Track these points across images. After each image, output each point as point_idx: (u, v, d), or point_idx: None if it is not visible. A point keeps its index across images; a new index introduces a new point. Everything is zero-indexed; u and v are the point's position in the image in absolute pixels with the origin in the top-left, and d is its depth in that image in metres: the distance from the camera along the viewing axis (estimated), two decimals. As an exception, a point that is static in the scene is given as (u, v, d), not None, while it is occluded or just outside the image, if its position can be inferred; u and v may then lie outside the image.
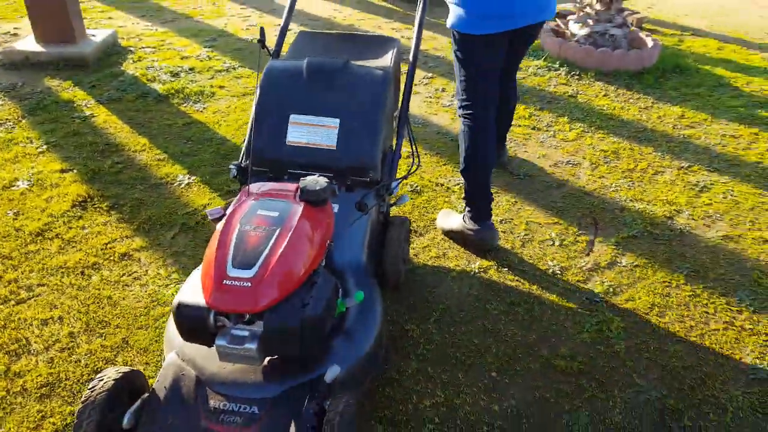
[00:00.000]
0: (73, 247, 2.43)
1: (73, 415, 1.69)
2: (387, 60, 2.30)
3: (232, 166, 2.10)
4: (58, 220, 2.58)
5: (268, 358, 1.58)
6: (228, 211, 1.68)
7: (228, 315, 1.51)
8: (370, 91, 2.09)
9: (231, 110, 3.67)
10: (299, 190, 1.69)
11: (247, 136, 2.17)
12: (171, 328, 1.71)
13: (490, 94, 2.38)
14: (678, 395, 1.86)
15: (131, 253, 2.40)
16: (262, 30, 2.38)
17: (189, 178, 2.92)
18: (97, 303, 2.15)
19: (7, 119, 3.46)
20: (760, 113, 3.87)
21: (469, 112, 2.36)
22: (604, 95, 4.08)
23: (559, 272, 2.38)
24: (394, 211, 2.56)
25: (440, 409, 1.79)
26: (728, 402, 1.85)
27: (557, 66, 4.47)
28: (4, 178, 2.87)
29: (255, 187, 1.77)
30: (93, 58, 4.30)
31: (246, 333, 1.49)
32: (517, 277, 2.34)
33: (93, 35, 4.55)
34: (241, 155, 2.17)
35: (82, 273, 2.29)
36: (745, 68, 4.71)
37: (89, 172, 2.93)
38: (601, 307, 2.21)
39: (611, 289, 2.30)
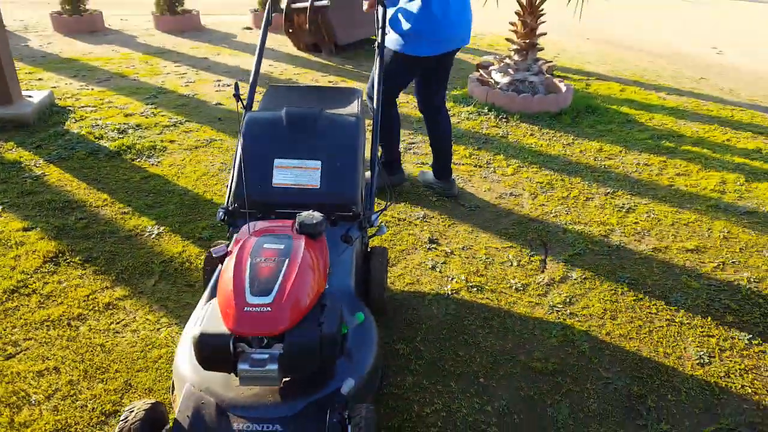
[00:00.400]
0: (53, 301, 2.43)
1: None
2: (354, 107, 2.54)
3: (219, 211, 2.23)
4: (31, 277, 2.57)
5: (283, 380, 1.70)
6: (231, 249, 1.82)
7: (247, 341, 1.63)
8: (347, 134, 2.31)
9: (186, 163, 3.77)
10: (298, 225, 1.86)
11: (231, 181, 2.30)
12: (180, 363, 1.80)
13: (397, 96, 3.27)
14: (639, 383, 2.13)
15: (114, 302, 2.44)
16: (236, 85, 2.55)
17: (158, 229, 2.98)
18: (91, 351, 2.17)
19: (-48, 182, 3.39)
20: (665, 144, 4.42)
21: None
22: (531, 135, 4.51)
23: (521, 288, 2.64)
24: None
25: (440, 414, 1.96)
26: (681, 384, 2.13)
27: (486, 111, 4.89)
28: (-37, 240, 2.82)
29: (252, 225, 1.92)
30: (33, 118, 4.28)
31: (266, 356, 1.62)
32: (486, 296, 2.58)
33: (29, 96, 4.53)
34: (227, 200, 2.31)
35: (69, 324, 2.30)
36: (646, 106, 5.34)
37: (54, 229, 2.93)
38: (562, 315, 2.48)
39: (568, 300, 2.58)
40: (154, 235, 2.93)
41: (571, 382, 2.12)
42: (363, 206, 2.29)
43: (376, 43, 2.72)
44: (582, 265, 2.84)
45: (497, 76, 5.22)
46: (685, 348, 2.32)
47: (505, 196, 3.51)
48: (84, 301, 2.43)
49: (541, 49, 5.26)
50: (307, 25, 6.47)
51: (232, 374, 1.65)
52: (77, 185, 3.42)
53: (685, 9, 11.71)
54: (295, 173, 2.26)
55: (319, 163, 2.26)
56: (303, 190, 2.22)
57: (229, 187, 2.37)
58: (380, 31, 2.75)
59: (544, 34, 5.19)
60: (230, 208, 2.25)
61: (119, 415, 1.79)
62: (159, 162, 3.76)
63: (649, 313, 2.52)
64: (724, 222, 3.29)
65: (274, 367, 1.59)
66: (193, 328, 1.68)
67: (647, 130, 4.69)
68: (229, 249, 1.88)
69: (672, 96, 5.76)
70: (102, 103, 4.82)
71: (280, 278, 1.66)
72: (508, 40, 5.23)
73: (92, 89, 5.18)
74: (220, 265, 1.95)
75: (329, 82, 5.75)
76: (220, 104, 4.93)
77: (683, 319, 2.49)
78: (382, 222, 2.97)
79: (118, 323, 2.32)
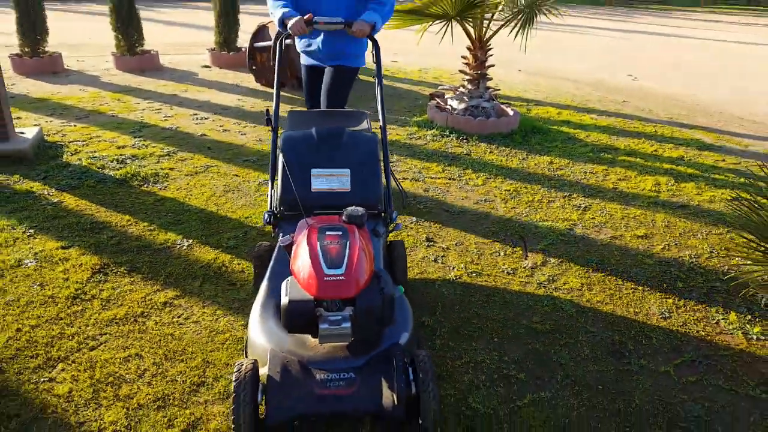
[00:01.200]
0: (114, 303, 2.74)
1: (193, 416, 2.09)
2: (366, 125, 3.03)
3: (265, 215, 2.65)
4: (86, 285, 2.86)
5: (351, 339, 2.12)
6: (296, 238, 2.26)
7: (324, 306, 2.06)
8: (368, 147, 2.80)
9: (192, 186, 4.11)
10: (346, 217, 2.31)
11: (274, 190, 2.73)
12: (256, 337, 2.19)
13: None
14: (619, 333, 2.68)
15: (170, 301, 2.77)
16: (267, 111, 3.01)
17: (187, 242, 3.32)
18: (164, 339, 2.50)
19: (-27, 212, 3.59)
20: (604, 155, 5.13)
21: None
22: (490, 152, 5.12)
23: (511, 272, 3.16)
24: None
25: (469, 365, 2.42)
26: (651, 332, 2.70)
27: (448, 133, 5.49)
28: (6, 261, 3.07)
29: (308, 221, 2.36)
30: (31, 152, 4.50)
31: (340, 317, 2.05)
32: (484, 279, 3.08)
33: (22, 133, 4.73)
34: (270, 205, 2.73)
35: (135, 320, 2.62)
36: (581, 126, 6.11)
37: (91, 246, 3.22)
38: (549, 289, 3.01)
39: (551, 278, 3.12)
40: (185, 247, 3.27)
41: (566, 337, 2.64)
42: (385, 206, 2.77)
43: (376, 73, 3.22)
44: (556, 253, 3.40)
45: (454, 103, 5.84)
46: (649, 308, 2.90)
47: (480, 202, 4.06)
48: (142, 301, 2.76)
49: (490, 79, 5.94)
50: (272, 62, 6.93)
51: (306, 338, 2.08)
52: (97, 209, 3.70)
53: (602, 43, 12.96)
54: (329, 180, 2.71)
55: (348, 170, 2.72)
56: (337, 193, 2.68)
57: (270, 195, 2.80)
58: (377, 62, 3.24)
59: (493, 65, 5.88)
60: (275, 212, 2.68)
61: (210, 384, 2.16)
62: (166, 187, 4.09)
63: (617, 284, 3.10)
64: (663, 214, 3.97)
65: (348, 325, 2.02)
66: (282, 299, 2.09)
67: (587, 146, 5.42)
68: (293, 239, 2.31)
69: (602, 117, 6.57)
70: (90, 138, 5.07)
71: (347, 255, 2.11)
72: (461, 71, 5.89)
73: (74, 125, 5.41)
74: (270, 256, 2.41)
75: (300, 113, 6.20)
76: (204, 135, 5.28)
77: (644, 287, 3.08)
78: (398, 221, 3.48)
79: (179, 317, 2.66)
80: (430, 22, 5.49)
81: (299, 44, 3.61)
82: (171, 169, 4.41)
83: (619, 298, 2.97)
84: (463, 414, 2.17)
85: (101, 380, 2.26)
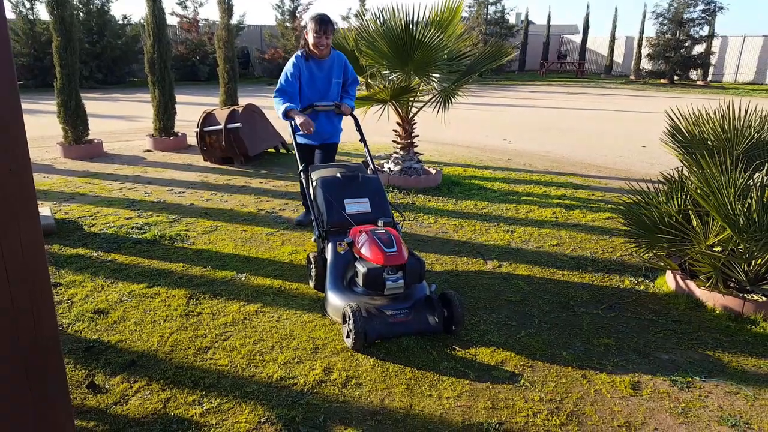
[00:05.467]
0: (219, 314, 3.71)
1: (323, 363, 3.18)
2: (368, 172, 4.37)
3: (315, 232, 3.89)
4: (188, 307, 3.80)
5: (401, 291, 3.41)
6: (355, 240, 3.54)
7: (387, 271, 3.33)
8: (377, 184, 4.15)
9: (214, 241, 5.09)
10: (382, 223, 3.62)
11: (318, 216, 3.97)
12: (334, 302, 3.48)
13: None
14: (562, 296, 4.11)
15: (259, 309, 3.79)
16: (306, 168, 4.25)
17: (243, 276, 4.34)
18: (273, 330, 3.54)
19: (45, 272, 4.33)
20: (510, 197, 6.80)
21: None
22: (429, 201, 6.58)
23: (481, 272, 4.54)
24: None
25: (480, 321, 3.71)
26: (582, 294, 4.16)
27: (391, 189, 6.90)
28: (108, 299, 3.90)
29: (360, 228, 3.63)
30: (55, 227, 5.23)
31: (396, 277, 3.34)
32: (464, 277, 4.42)
33: (38, 212, 5.43)
34: (316, 228, 3.95)
35: (243, 322, 3.62)
36: (486, 178, 7.81)
37: (171, 284, 4.14)
38: (509, 278, 4.41)
39: (508, 272, 4.53)
40: (242, 279, 4.28)
41: (531, 301, 4.02)
42: (393, 220, 4.08)
43: (360, 138, 4.64)
44: (505, 258, 4.84)
45: (390, 166, 7.31)
46: (575, 281, 4.39)
47: (439, 234, 5.45)
48: (239, 312, 3.76)
49: (417, 146, 7.50)
50: (223, 143, 8.04)
51: (371, 296, 3.38)
52: (150, 261, 4.58)
53: (469, 115, 15.32)
54: (356, 205, 3.99)
55: (368, 199, 4.03)
56: (363, 214, 3.96)
57: (315, 219, 4.00)
58: (359, 132, 4.69)
59: (417, 136, 7.47)
60: (324, 229, 3.90)
61: (322, 347, 3.24)
62: (192, 243, 5.04)
63: (551, 271, 4.57)
64: (565, 231, 5.60)
65: (402, 281, 3.33)
66: (361, 269, 3.34)
67: (496, 191, 7.07)
68: (353, 239, 3.57)
69: (496, 171, 8.35)
70: (94, 213, 5.83)
71: (395, 240, 3.41)
72: (394, 141, 7.40)
73: (69, 206, 6.11)
74: (320, 259, 3.84)
75: (260, 181, 7.33)
76: (193, 204, 6.23)
77: (568, 271, 4.58)
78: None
79: (272, 318, 3.70)
80: (370, 105, 6.99)
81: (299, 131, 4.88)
82: (186, 231, 5.35)
83: (556, 279, 4.43)
84: (486, 344, 3.45)
85: (246, 354, 3.26)
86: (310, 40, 4.67)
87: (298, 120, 4.50)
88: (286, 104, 4.64)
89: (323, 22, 4.62)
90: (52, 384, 1.86)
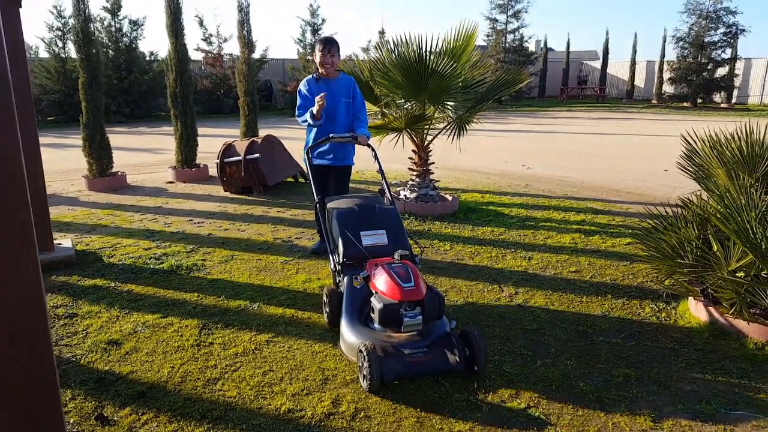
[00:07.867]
0: (230, 345, 3.70)
1: (333, 395, 3.13)
2: (385, 202, 4.34)
3: (330, 264, 3.85)
4: (200, 337, 3.79)
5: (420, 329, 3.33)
6: (371, 274, 3.48)
7: (404, 307, 3.26)
8: (394, 215, 4.10)
9: (229, 270, 5.11)
10: (399, 256, 3.55)
11: (334, 249, 3.93)
12: (349, 339, 3.37)
13: None
14: (580, 325, 4.01)
15: (270, 339, 3.77)
16: (322, 199, 4.24)
17: (256, 305, 4.33)
18: (283, 360, 3.50)
19: (62, 304, 4.38)
20: (528, 223, 6.72)
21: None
22: (445, 228, 6.54)
23: (497, 300, 4.46)
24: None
25: (495, 350, 3.63)
26: (601, 323, 4.05)
27: (407, 216, 6.88)
28: (123, 330, 3.92)
29: (377, 262, 3.58)
30: (75, 258, 5.31)
31: (414, 313, 3.27)
32: (480, 306, 4.34)
33: (59, 243, 5.53)
34: (332, 260, 3.91)
35: (253, 352, 3.59)
36: (503, 204, 7.75)
37: (183, 314, 4.14)
38: (526, 307, 4.33)
39: (525, 300, 4.45)
40: (255, 308, 4.27)
41: (548, 330, 3.93)
42: (411, 251, 4.02)
43: (378, 169, 4.63)
44: (522, 285, 4.75)
45: (407, 193, 7.30)
46: (594, 309, 4.28)
47: (455, 261, 5.39)
48: (250, 342, 3.74)
49: (432, 173, 7.49)
50: (242, 173, 8.13)
51: (388, 332, 3.27)
52: (165, 291, 4.61)
53: (489, 142, 15.30)
54: (373, 237, 3.94)
55: (384, 231, 3.98)
56: (379, 246, 3.91)
57: (331, 252, 3.96)
58: (377, 162, 4.67)
59: (433, 163, 7.46)
60: (340, 262, 3.85)
61: (332, 378, 3.19)
62: (208, 272, 5.06)
63: (569, 299, 4.47)
64: (584, 257, 5.50)
65: (420, 318, 3.25)
66: (377, 305, 3.26)
67: (513, 218, 7.00)
68: (369, 273, 3.51)
69: (515, 197, 8.29)
70: (113, 245, 5.91)
71: (412, 274, 3.35)
72: (410, 168, 7.41)
73: (90, 237, 6.21)
74: (336, 292, 3.74)
75: (277, 210, 7.38)
76: (211, 234, 6.29)
77: (587, 298, 4.48)
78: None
79: (283, 347, 3.67)
80: (386, 134, 7.03)
81: (315, 152, 4.95)
82: (203, 260, 5.38)
83: (574, 306, 4.34)
84: (500, 375, 3.36)
85: (255, 385, 3.23)
86: (317, 59, 4.99)
87: (315, 107, 4.76)
88: (308, 113, 4.93)
89: (327, 42, 4.97)
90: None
